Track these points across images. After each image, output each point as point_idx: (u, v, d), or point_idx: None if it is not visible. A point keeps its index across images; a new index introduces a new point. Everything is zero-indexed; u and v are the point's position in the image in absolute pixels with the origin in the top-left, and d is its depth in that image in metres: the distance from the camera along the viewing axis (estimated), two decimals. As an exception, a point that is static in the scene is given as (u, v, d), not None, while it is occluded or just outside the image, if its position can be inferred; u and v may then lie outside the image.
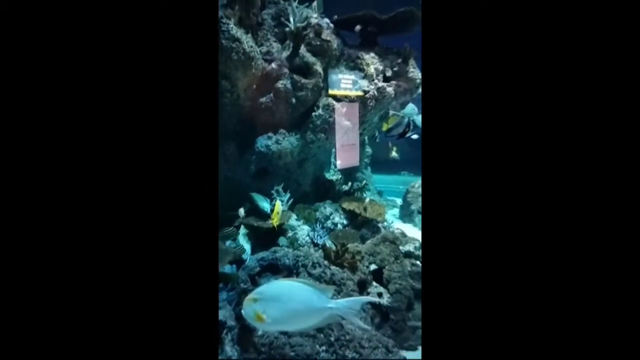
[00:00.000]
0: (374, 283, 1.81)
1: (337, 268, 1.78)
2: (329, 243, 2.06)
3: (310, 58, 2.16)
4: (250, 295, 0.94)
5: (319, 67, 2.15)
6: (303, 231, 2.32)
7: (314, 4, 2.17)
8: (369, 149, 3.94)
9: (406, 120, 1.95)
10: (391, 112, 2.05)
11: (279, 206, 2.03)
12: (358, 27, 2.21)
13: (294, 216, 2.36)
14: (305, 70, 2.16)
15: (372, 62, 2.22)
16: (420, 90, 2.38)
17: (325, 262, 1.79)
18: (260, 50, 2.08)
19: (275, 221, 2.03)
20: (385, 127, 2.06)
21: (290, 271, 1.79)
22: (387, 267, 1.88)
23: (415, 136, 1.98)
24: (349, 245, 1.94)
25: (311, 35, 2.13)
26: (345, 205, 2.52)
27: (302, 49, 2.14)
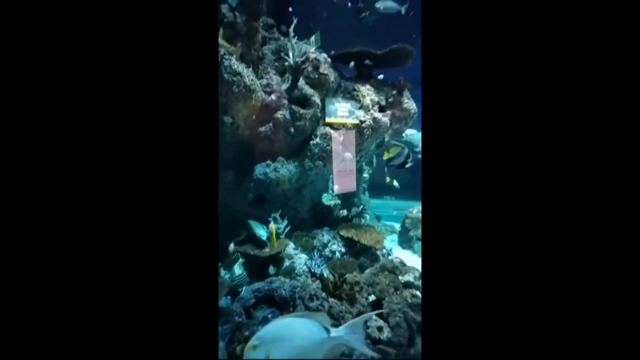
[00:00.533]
0: (374, 316, 1.74)
1: (335, 300, 1.73)
2: (326, 273, 2.02)
3: (308, 90, 2.25)
4: (250, 343, 0.91)
5: (316, 99, 2.23)
6: (300, 260, 2.28)
7: (312, 38, 2.30)
8: (366, 175, 3.98)
9: (406, 151, 2.03)
10: (392, 142, 2.12)
11: (273, 228, 2.01)
12: (352, 64, 2.33)
13: (292, 244, 2.33)
14: (304, 101, 2.24)
15: (367, 93, 2.31)
16: (414, 118, 2.46)
17: (323, 294, 1.74)
18: (260, 83, 2.17)
19: (274, 243, 2.00)
20: (386, 157, 2.12)
21: (286, 303, 1.74)
22: (386, 298, 1.83)
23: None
24: (347, 276, 1.90)
25: (309, 69, 2.24)
26: (343, 232, 2.50)
27: (301, 82, 2.24)
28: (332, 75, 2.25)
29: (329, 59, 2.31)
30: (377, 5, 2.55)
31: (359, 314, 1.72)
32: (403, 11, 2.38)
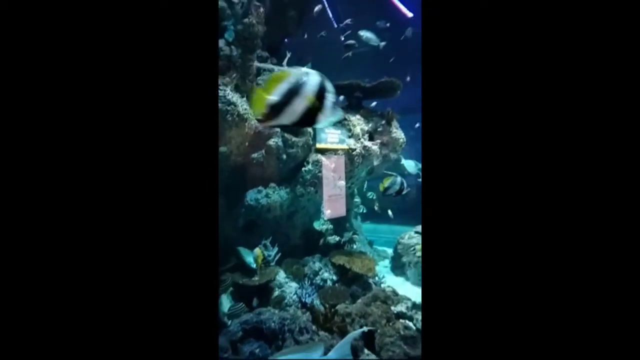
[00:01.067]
0: (366, 350, 1.69)
1: (326, 333, 1.67)
2: (317, 303, 1.97)
3: (300, 118, 2.33)
4: None
5: (308, 128, 2.30)
6: (291, 288, 2.22)
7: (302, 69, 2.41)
8: (357, 199, 4.00)
9: (399, 179, 2.09)
10: (386, 172, 2.19)
11: (259, 252, 1.98)
12: (341, 97, 2.44)
13: (282, 272, 2.28)
14: (296, 129, 2.30)
15: (358, 123, 2.40)
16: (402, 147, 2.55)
17: (314, 327, 1.68)
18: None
19: (258, 266, 1.96)
20: (382, 187, 2.17)
21: (275, 336, 1.67)
22: (379, 330, 1.78)
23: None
24: (339, 306, 1.85)
25: (302, 99, 2.33)
26: (334, 259, 2.46)
27: (294, 111, 2.32)
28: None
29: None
30: (360, 33, 2.71)
31: (352, 348, 1.66)
32: (380, 46, 2.54)
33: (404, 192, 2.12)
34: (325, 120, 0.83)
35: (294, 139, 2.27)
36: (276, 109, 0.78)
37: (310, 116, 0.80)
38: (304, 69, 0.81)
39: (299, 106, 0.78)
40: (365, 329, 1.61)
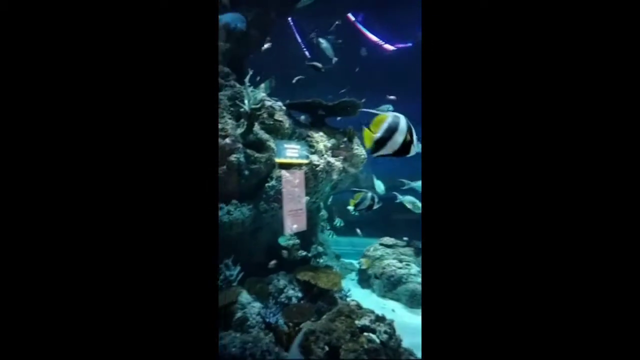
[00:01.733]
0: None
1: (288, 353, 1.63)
2: (281, 323, 1.92)
3: (264, 135, 2.33)
4: None
5: (272, 143, 2.31)
6: (254, 309, 2.14)
7: (262, 85, 2.43)
8: (324, 213, 4.04)
9: (369, 194, 2.16)
10: (355, 189, 2.26)
11: None
12: (303, 117, 2.51)
13: (245, 292, 2.19)
14: (259, 145, 2.30)
15: (321, 139, 2.46)
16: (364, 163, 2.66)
17: (277, 349, 1.63)
18: (215, 127, 2.19)
19: None
20: (352, 203, 2.22)
21: (236, 362, 1.59)
22: (343, 346, 1.77)
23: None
24: (303, 325, 1.82)
25: (265, 115, 2.33)
26: (300, 276, 2.44)
27: (257, 127, 2.31)
28: (287, 122, 2.37)
29: (284, 107, 2.45)
30: (321, 40, 2.79)
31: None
32: (333, 61, 2.66)
33: (374, 208, 2.19)
34: (414, 150, 1.09)
35: (256, 154, 2.25)
36: (381, 143, 1.07)
37: (405, 147, 1.08)
38: (395, 113, 1.08)
39: (398, 140, 1.06)
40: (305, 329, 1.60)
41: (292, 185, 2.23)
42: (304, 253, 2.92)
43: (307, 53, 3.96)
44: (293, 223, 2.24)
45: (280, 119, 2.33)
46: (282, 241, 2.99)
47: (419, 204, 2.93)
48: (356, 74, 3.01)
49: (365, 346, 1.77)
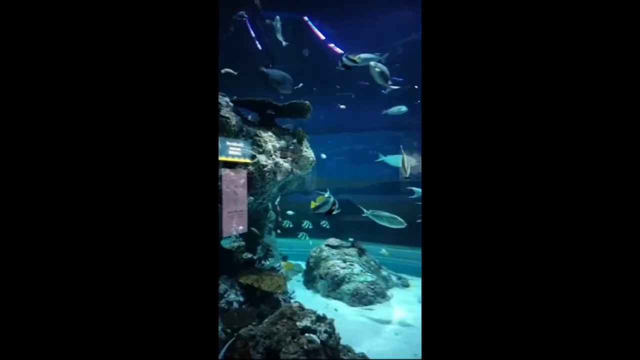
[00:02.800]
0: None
1: (226, 362, 1.56)
2: (219, 329, 1.82)
3: (208, 131, 2.19)
4: None
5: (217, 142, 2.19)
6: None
7: None
8: (272, 215, 3.98)
9: (331, 199, 2.18)
10: (318, 192, 2.26)
11: None
12: (250, 117, 2.44)
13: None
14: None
15: (269, 139, 2.42)
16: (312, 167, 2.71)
17: None
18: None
19: None
20: (313, 205, 2.21)
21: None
22: (283, 349, 1.77)
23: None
24: (242, 330, 1.77)
25: (210, 110, 2.21)
26: (242, 279, 2.36)
27: (200, 122, 2.17)
28: (233, 119, 2.27)
29: (231, 103, 2.34)
30: (276, 20, 2.71)
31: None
32: (283, 44, 2.62)
33: (334, 212, 2.23)
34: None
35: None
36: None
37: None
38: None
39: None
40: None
41: (234, 185, 2.14)
42: (249, 255, 2.84)
43: (258, 45, 3.86)
44: (234, 225, 2.15)
45: (227, 115, 2.23)
46: (225, 243, 2.85)
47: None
48: (306, 74, 3.04)
49: (306, 347, 1.79)
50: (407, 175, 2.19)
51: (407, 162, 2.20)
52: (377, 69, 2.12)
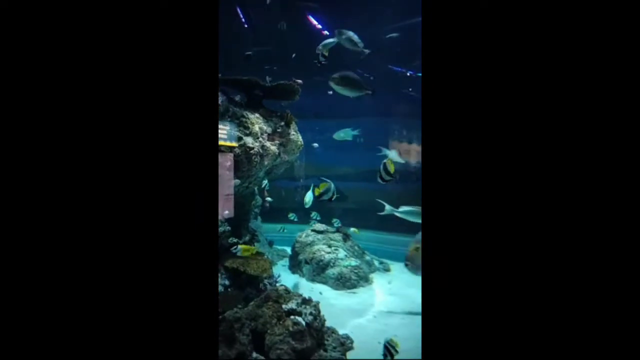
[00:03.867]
0: (254, 354, 1.66)
1: (211, 344, 1.56)
2: (204, 313, 1.81)
3: (191, 110, 2.09)
4: None
5: (201, 121, 2.10)
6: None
7: None
8: (258, 200, 3.94)
9: (333, 186, 2.18)
10: (322, 178, 2.23)
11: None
12: (238, 97, 2.35)
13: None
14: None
15: (257, 121, 2.35)
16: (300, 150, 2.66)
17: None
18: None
19: None
20: (317, 192, 2.22)
21: None
22: (268, 331, 1.78)
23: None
24: (227, 313, 1.76)
25: (194, 88, 2.09)
26: (228, 263, 2.34)
27: (183, 100, 2.06)
28: (219, 99, 2.17)
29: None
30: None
31: (239, 354, 1.60)
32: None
33: (333, 199, 2.22)
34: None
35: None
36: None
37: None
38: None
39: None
40: None
41: (221, 167, 2.08)
42: (235, 240, 2.81)
43: (244, 23, 3.69)
44: (220, 209, 2.10)
45: (212, 94, 2.13)
46: (210, 228, 2.80)
47: None
48: (293, 59, 2.95)
49: (291, 329, 1.82)
50: (388, 178, 2.05)
51: (392, 163, 2.13)
52: (343, 36, 2.06)
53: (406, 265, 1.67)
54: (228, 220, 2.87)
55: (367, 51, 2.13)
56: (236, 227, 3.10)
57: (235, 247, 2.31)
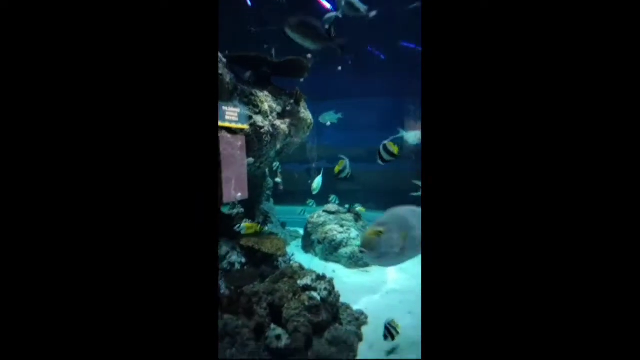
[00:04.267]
0: (272, 325, 1.71)
1: (231, 316, 1.61)
2: (223, 287, 1.87)
3: (200, 89, 2.06)
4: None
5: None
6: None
7: None
8: (269, 181, 3.95)
9: (348, 163, 2.17)
10: (340, 156, 2.21)
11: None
12: (248, 74, 2.28)
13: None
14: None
15: (266, 99, 2.30)
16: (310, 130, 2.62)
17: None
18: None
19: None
20: (337, 170, 2.21)
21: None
22: (285, 305, 1.83)
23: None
24: (245, 287, 1.81)
25: (202, 67, 2.05)
26: (243, 242, 2.38)
27: (192, 80, 2.03)
28: (227, 77, 2.13)
29: (224, 59, 2.18)
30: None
31: (258, 325, 1.65)
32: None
33: (348, 177, 2.23)
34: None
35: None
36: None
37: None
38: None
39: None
40: None
41: (233, 149, 2.07)
42: (249, 221, 2.85)
43: (248, 2, 3.57)
44: (231, 191, 2.11)
45: (220, 72, 2.09)
46: (224, 210, 2.84)
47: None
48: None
49: (307, 303, 1.86)
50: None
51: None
52: (342, 2, 1.92)
53: (361, 252, 1.25)
54: (241, 202, 2.91)
55: (373, 13, 1.98)
56: (249, 209, 3.14)
57: (238, 225, 2.33)
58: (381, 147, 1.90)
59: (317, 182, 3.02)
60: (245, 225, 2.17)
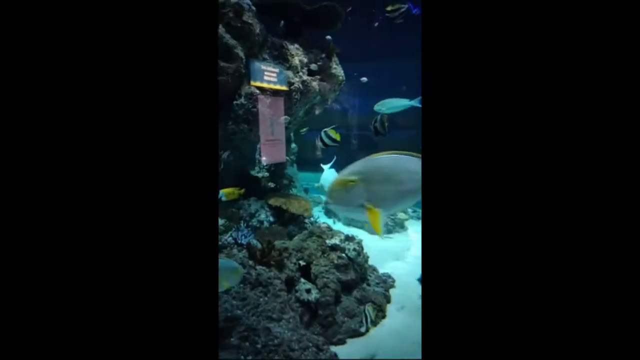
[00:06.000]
0: (302, 279, 1.75)
1: (263, 267, 1.66)
2: (254, 242, 1.91)
3: (230, 41, 1.96)
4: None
5: (240, 52, 1.97)
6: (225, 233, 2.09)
7: None
8: (294, 146, 3.91)
9: (379, 117, 2.02)
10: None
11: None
12: (282, 24, 2.12)
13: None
14: (225, 53, 1.95)
15: (296, 53, 2.17)
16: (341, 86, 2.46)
17: (250, 262, 1.64)
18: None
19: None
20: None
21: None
22: (314, 262, 1.85)
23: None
24: (276, 242, 1.84)
25: (231, 15, 1.93)
26: (271, 201, 2.40)
27: (221, 29, 1.92)
28: (257, 27, 2.00)
29: (253, 7, 2.04)
30: None
31: (288, 279, 1.70)
32: None
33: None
34: None
35: (222, 64, 1.93)
36: None
37: None
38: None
39: None
40: None
41: (270, 111, 2.00)
42: (273, 185, 2.86)
43: None
44: (269, 154, 2.08)
45: (250, 21, 1.96)
46: (252, 172, 2.85)
47: None
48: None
49: (335, 261, 1.87)
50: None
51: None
52: None
53: (326, 204, 1.09)
54: (265, 167, 2.90)
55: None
56: (273, 173, 3.14)
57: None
58: (322, 134, 1.89)
59: (325, 179, 2.91)
60: (223, 191, 2.07)
